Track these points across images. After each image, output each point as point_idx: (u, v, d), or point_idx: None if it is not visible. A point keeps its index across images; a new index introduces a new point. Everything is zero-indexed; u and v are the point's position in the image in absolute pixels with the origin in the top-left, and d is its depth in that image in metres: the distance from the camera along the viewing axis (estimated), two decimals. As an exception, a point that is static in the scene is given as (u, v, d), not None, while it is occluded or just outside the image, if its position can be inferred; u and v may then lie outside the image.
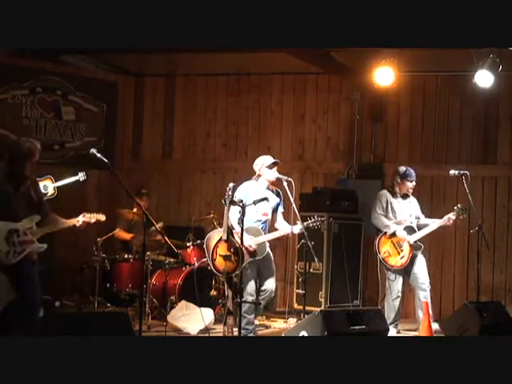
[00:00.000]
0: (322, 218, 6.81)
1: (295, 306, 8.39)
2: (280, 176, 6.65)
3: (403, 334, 7.55)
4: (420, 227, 7.49)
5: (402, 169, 7.55)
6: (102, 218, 6.03)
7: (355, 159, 9.34)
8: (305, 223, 6.61)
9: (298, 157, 9.58)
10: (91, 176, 7.55)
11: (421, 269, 7.43)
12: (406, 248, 7.38)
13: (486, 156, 8.88)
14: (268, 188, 6.82)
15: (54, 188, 7.15)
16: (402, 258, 7.38)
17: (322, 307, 8.16)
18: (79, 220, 5.85)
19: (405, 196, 7.57)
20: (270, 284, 6.72)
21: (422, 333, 6.99)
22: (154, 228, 5.94)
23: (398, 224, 7.44)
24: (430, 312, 7.23)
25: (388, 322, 7.23)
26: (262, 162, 6.79)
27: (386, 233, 7.42)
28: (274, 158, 6.84)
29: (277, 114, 9.67)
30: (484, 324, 6.12)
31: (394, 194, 7.52)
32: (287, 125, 9.63)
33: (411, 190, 7.57)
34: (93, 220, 5.94)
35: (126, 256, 8.24)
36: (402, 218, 7.49)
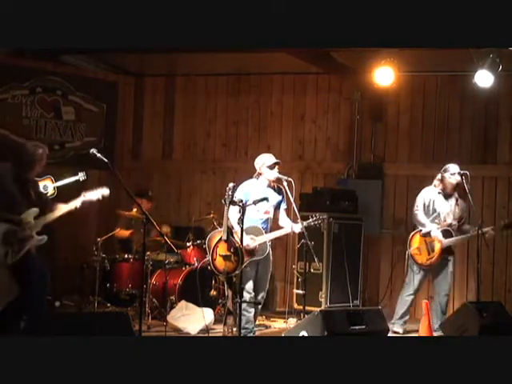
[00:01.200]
0: (323, 217, 6.82)
1: (295, 306, 8.38)
2: (280, 176, 6.65)
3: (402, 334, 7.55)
4: (460, 231, 7.38)
5: (446, 164, 7.41)
6: (106, 191, 6.00)
7: (355, 159, 9.33)
8: (305, 222, 6.61)
9: (298, 157, 9.57)
10: (91, 176, 7.53)
11: (446, 276, 7.38)
12: (437, 250, 7.30)
13: (486, 156, 8.86)
14: (269, 186, 6.82)
15: (54, 188, 7.15)
16: (430, 258, 7.31)
17: (322, 307, 8.15)
18: (79, 201, 5.84)
19: (451, 196, 7.41)
20: (259, 298, 6.75)
21: (422, 333, 6.99)
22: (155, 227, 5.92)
23: (437, 225, 7.34)
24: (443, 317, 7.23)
25: (396, 317, 7.25)
26: (263, 162, 6.79)
27: (421, 230, 7.37)
28: (276, 158, 6.84)
29: (277, 114, 9.66)
30: (484, 324, 6.13)
31: (438, 192, 7.41)
32: (287, 125, 9.62)
33: (454, 189, 7.34)
34: (95, 197, 5.91)
35: (126, 256, 8.23)
36: (442, 218, 7.39)
